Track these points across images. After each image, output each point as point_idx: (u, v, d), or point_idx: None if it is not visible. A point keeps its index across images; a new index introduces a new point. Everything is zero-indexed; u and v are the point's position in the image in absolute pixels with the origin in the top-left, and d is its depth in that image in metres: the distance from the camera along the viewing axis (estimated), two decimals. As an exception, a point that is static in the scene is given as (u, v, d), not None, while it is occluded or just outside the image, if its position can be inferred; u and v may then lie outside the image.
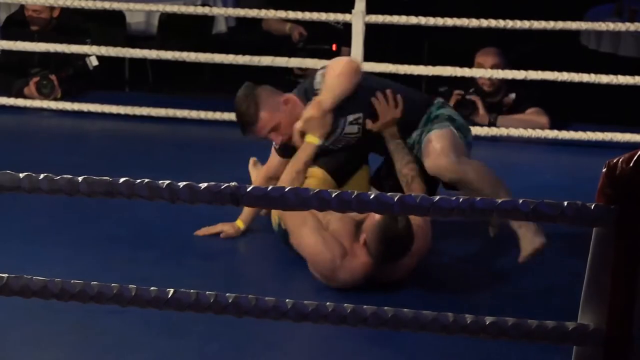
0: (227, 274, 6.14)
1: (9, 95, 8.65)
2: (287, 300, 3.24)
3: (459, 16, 8.20)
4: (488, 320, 3.06)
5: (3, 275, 3.33)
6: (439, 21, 8.22)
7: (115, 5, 8.91)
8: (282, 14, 8.60)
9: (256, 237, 6.63)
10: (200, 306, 3.28)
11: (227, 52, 8.67)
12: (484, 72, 8.44)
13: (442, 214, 3.13)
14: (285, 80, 9.29)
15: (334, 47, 9.33)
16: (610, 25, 8.26)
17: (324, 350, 5.53)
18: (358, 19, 8.24)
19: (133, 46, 9.12)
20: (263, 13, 8.84)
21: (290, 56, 8.74)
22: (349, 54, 8.43)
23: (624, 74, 8.00)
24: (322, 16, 8.60)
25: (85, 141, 8.47)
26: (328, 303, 3.29)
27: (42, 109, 8.63)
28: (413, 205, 3.15)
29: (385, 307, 3.26)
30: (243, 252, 6.57)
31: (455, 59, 8.45)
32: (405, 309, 3.27)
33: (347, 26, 8.57)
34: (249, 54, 8.56)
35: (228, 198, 3.14)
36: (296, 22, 9.33)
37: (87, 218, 6.62)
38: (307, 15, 8.52)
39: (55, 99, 8.60)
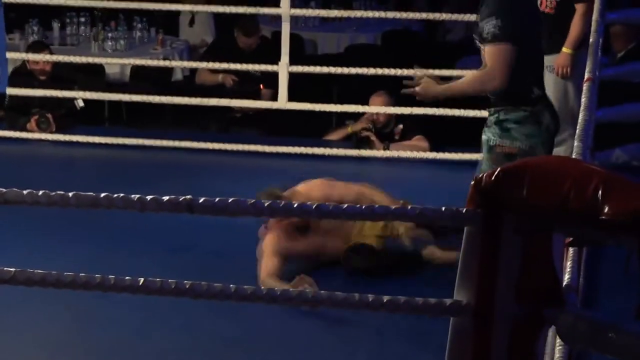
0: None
1: (15, 130, 8.64)
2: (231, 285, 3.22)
3: (360, 66, 8.23)
4: (385, 298, 3.05)
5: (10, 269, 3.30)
6: (345, 70, 8.25)
7: (97, 60, 8.94)
8: (224, 65, 8.60)
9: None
10: (164, 291, 3.26)
11: (183, 95, 8.64)
12: (377, 109, 8.47)
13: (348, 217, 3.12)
14: (227, 117, 9.29)
15: (262, 86, 9.30)
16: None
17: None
18: (283, 69, 8.23)
19: (111, 91, 9.12)
20: (204, 64, 8.87)
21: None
22: (271, 95, 8.50)
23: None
24: (255, 67, 8.61)
25: (74, 165, 8.43)
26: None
27: (40, 140, 8.58)
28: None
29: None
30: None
31: (357, 99, 8.46)
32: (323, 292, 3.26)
33: (266, 73, 8.61)
34: (200, 97, 8.55)
35: (184, 208, 3.12)
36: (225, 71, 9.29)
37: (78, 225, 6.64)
38: (241, 66, 8.56)
39: (51, 132, 8.58)
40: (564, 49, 6.68)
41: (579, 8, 6.63)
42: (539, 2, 6.65)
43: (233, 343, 5.46)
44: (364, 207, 3.01)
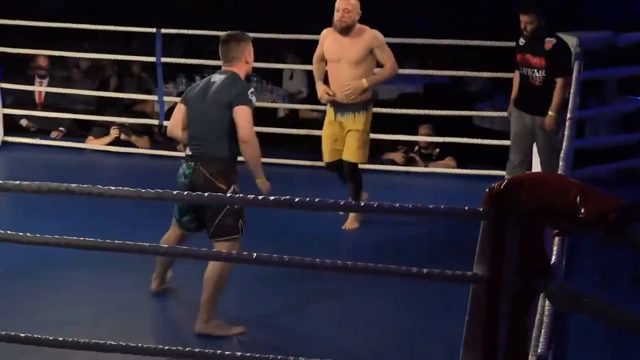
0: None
1: (169, 150, 8.55)
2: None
3: (409, 107, 8.21)
4: (425, 270, 3.04)
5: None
6: (397, 111, 8.20)
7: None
8: (314, 107, 8.56)
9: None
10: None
11: (285, 126, 8.63)
12: (422, 137, 8.46)
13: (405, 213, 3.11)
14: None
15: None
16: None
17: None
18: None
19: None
20: (299, 106, 8.78)
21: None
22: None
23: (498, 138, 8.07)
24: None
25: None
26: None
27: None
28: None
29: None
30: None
31: (406, 130, 8.46)
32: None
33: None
34: (298, 128, 8.52)
35: (286, 204, 3.11)
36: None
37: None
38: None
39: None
40: (550, 113, 6.52)
41: (559, 81, 6.49)
42: (530, 79, 6.63)
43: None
44: (397, 205, 2.99)
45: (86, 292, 5.44)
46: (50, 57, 9.39)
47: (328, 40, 6.26)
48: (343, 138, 6.41)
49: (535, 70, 6.60)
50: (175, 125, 4.99)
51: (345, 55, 6.19)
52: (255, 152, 4.92)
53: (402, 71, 9.41)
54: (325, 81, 6.41)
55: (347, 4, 6.12)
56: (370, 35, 6.22)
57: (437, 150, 8.52)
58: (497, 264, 2.82)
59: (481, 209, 2.81)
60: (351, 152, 6.37)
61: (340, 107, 6.33)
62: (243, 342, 4.83)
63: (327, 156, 6.55)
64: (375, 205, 3.11)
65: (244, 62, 4.92)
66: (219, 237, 4.84)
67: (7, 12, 8.82)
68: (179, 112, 4.97)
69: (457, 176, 8.17)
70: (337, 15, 6.17)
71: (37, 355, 4.12)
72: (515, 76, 6.90)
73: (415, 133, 8.53)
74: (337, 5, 6.19)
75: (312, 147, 8.80)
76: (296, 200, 3.00)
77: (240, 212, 4.85)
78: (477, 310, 2.89)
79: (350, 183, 6.52)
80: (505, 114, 7.19)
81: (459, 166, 8.30)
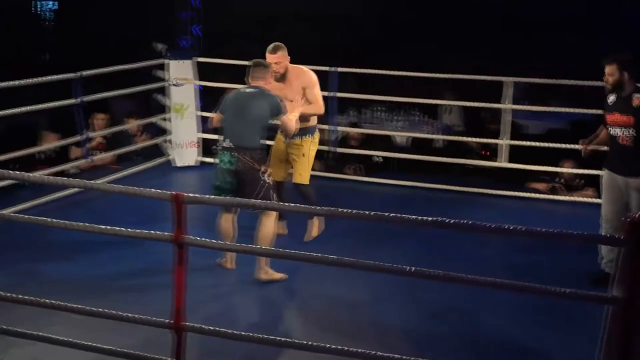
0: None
1: (337, 173, 8.67)
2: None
3: (555, 142, 8.02)
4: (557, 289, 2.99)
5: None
6: (545, 144, 8.01)
7: (389, 132, 8.86)
8: (468, 139, 8.46)
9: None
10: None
11: (441, 155, 8.58)
12: (567, 170, 8.25)
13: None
14: (465, 168, 9.16)
15: (485, 152, 9.17)
16: None
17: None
18: (504, 142, 8.08)
19: (398, 152, 9.21)
20: (456, 138, 8.71)
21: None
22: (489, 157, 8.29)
23: None
24: (489, 140, 8.41)
25: (377, 196, 8.32)
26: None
27: (356, 180, 8.66)
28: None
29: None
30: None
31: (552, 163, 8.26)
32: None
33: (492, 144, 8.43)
34: (455, 157, 8.46)
35: (437, 225, 3.12)
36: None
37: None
38: (480, 140, 8.37)
39: (362, 176, 8.71)
40: None
41: None
42: (619, 139, 5.72)
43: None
44: (543, 230, 2.96)
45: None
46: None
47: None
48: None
49: (624, 130, 5.68)
50: (215, 125, 5.98)
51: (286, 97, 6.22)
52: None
53: (549, 108, 9.33)
54: None
55: (275, 58, 6.22)
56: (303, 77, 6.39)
57: (582, 181, 8.31)
58: (635, 287, 2.75)
59: (622, 237, 2.75)
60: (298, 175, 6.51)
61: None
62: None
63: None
64: (523, 229, 3.10)
65: (267, 83, 5.85)
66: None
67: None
68: (217, 118, 5.89)
69: (597, 205, 7.89)
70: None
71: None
72: (601, 131, 6.08)
73: (559, 166, 8.33)
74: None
75: (462, 173, 8.78)
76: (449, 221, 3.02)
77: (274, 188, 5.73)
78: (614, 330, 2.82)
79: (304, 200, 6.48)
80: None
81: (599, 196, 8.01)
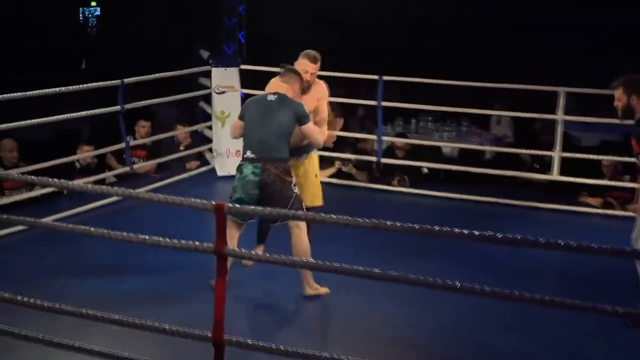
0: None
1: (385, 184, 8.64)
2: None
3: (609, 154, 7.86)
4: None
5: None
6: (599, 157, 7.86)
7: (438, 143, 8.78)
8: (516, 150, 8.34)
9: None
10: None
11: (489, 167, 8.51)
12: (624, 184, 8.06)
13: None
14: (514, 182, 9.03)
15: (537, 165, 9.04)
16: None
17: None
18: (557, 154, 7.97)
19: (445, 163, 9.15)
20: (506, 150, 8.58)
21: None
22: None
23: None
24: (538, 152, 8.30)
25: (421, 208, 8.26)
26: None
27: (401, 192, 8.64)
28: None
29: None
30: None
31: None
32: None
33: (541, 156, 8.31)
34: (505, 170, 8.37)
35: (487, 239, 3.05)
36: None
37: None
38: (528, 152, 8.27)
39: (407, 187, 8.66)
40: None
41: None
42: (637, 166, 5.31)
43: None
44: (595, 246, 2.87)
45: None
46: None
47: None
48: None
49: None
50: (236, 135, 5.75)
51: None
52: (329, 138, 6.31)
53: (602, 120, 9.15)
54: None
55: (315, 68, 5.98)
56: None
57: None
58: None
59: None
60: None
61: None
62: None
63: None
64: (575, 245, 3.03)
65: (294, 90, 5.67)
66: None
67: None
68: (238, 127, 5.68)
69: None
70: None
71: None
72: None
73: (615, 180, 8.18)
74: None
75: (513, 186, 8.66)
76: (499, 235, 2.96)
77: (301, 200, 5.54)
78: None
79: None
80: None
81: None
